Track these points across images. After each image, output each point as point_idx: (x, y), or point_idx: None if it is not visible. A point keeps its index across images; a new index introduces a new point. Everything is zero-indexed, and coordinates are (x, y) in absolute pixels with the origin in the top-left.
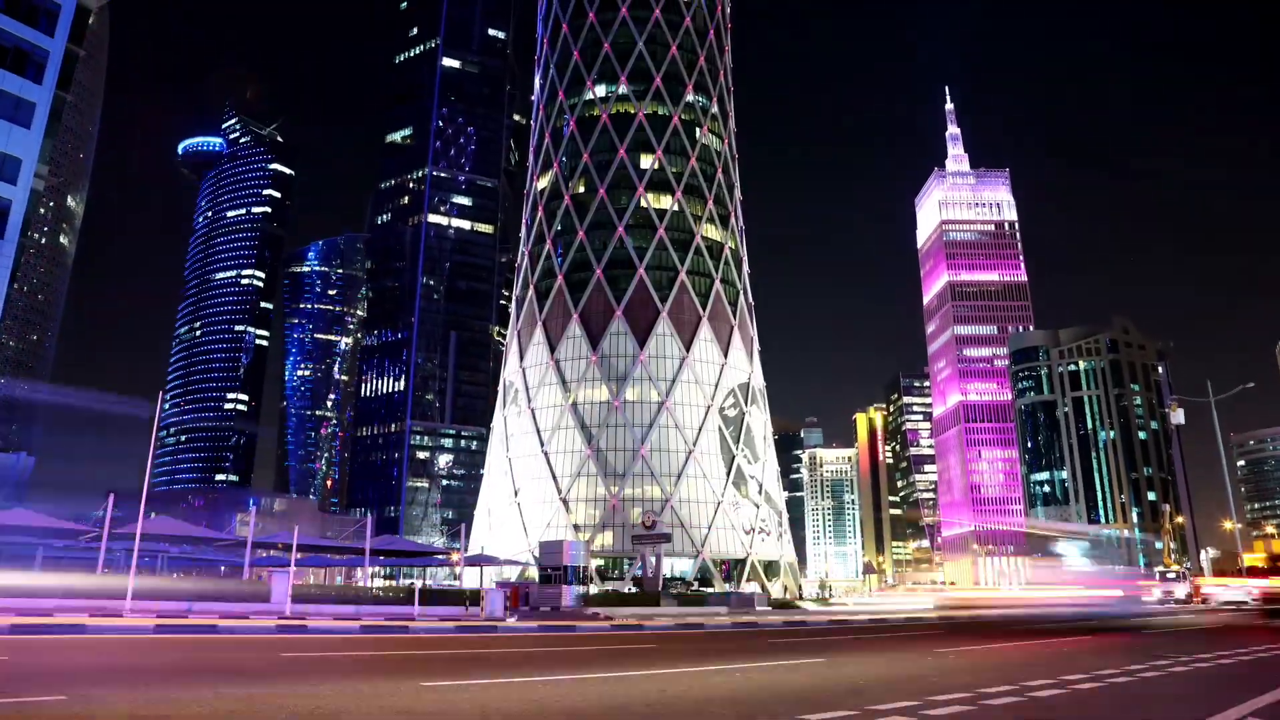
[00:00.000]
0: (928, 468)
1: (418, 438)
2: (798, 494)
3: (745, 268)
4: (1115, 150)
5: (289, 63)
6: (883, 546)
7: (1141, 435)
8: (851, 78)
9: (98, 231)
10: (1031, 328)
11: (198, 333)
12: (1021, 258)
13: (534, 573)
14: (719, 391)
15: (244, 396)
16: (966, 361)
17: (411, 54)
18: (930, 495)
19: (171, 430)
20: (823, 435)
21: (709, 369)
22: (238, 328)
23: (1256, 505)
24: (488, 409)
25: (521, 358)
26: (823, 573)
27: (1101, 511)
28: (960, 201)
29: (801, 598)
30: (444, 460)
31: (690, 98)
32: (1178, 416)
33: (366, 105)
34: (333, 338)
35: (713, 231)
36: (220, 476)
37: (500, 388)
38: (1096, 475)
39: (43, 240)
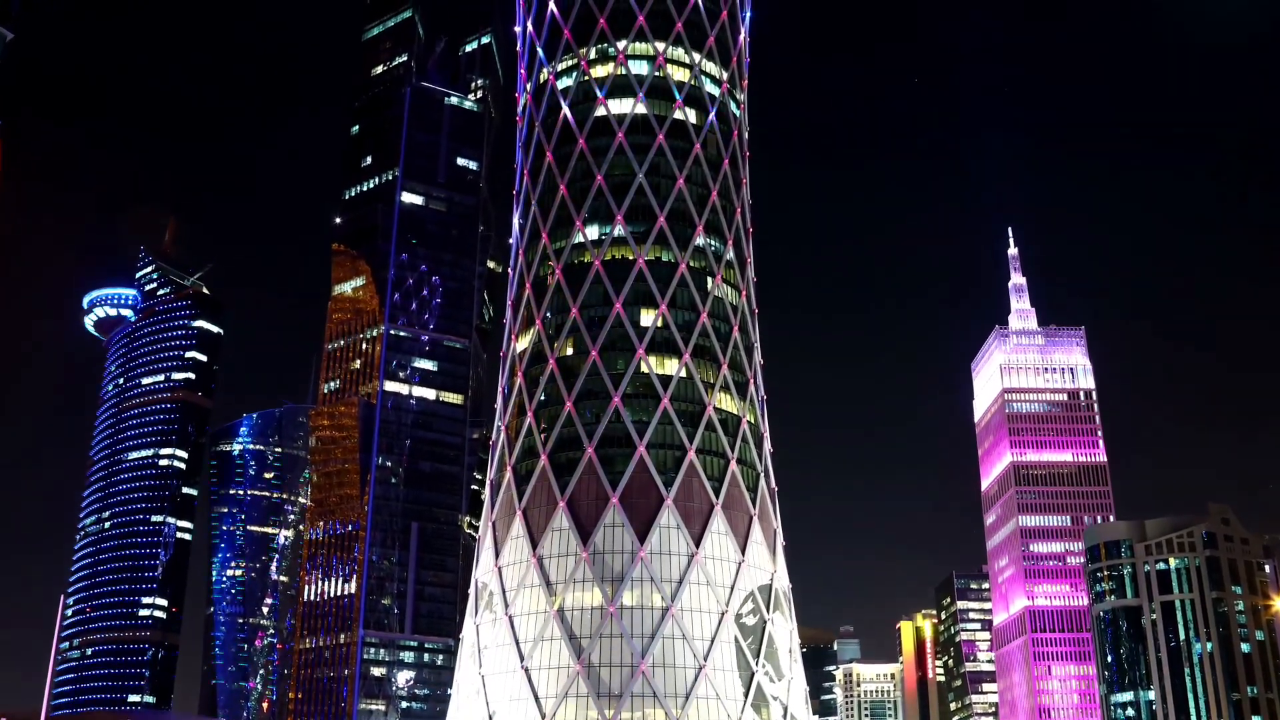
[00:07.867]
0: (987, 686)
1: (372, 650)
2: (831, 718)
3: (767, 446)
4: (1206, 312)
5: (217, 200)
6: None
7: (1245, 647)
8: (895, 220)
9: None
10: (1112, 518)
11: (106, 524)
12: (1100, 434)
13: None
14: (735, 595)
15: (162, 601)
16: (1034, 559)
17: (364, 188)
18: None
19: (75, 642)
20: (860, 648)
21: (723, 568)
22: (155, 518)
23: None
24: (456, 616)
25: (497, 554)
26: None
27: None
28: (1026, 366)
29: None
30: (404, 678)
31: (701, 241)
32: None
33: (310, 251)
34: (270, 530)
35: (727, 402)
36: (134, 698)
37: (471, 590)
38: (1191, 696)
39: None
